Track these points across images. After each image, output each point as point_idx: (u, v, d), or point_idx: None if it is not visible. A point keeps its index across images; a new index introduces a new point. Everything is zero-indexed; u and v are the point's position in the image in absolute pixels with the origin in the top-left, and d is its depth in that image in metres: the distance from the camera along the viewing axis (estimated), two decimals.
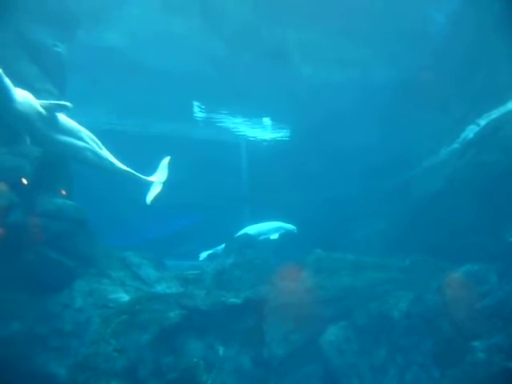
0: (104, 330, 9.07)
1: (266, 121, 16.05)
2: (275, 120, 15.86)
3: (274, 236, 14.88)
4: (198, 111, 15.10)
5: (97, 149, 9.44)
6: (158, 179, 10.96)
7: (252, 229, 14.83)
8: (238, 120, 15.78)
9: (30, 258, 9.05)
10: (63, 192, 9.99)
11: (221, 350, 9.45)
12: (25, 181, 9.14)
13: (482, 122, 12.11)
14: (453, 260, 10.44)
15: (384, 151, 14.46)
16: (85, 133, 9.23)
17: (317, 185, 15.69)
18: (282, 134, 16.76)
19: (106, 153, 9.68)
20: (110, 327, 9.15)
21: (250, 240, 12.58)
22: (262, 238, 14.73)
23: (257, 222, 15.33)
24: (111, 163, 9.78)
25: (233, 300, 9.86)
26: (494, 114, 11.85)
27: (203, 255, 14.61)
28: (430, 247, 11.49)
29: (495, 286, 9.64)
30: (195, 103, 14.77)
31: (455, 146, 13.43)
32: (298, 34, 12.06)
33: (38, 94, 9.66)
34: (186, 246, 16.30)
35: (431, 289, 9.98)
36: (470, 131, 12.67)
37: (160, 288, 10.53)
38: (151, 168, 11.21)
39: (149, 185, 10.78)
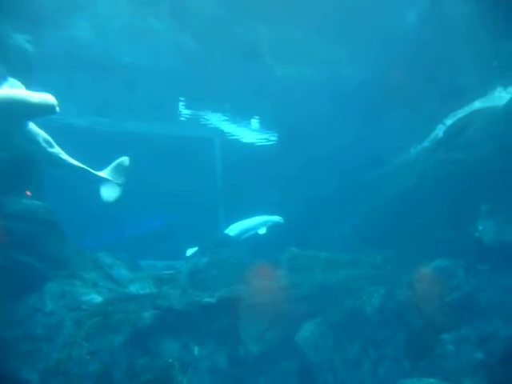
0: (76, 333, 8.93)
1: (249, 121, 16.07)
2: (246, 118, 15.88)
3: (262, 230, 15.01)
4: (182, 107, 15.00)
5: (49, 148, 9.44)
6: (113, 179, 10.81)
7: (240, 225, 14.90)
8: (215, 117, 15.74)
9: None
10: (28, 193, 9.80)
11: (196, 350, 9.43)
12: None
13: (449, 121, 12.42)
14: (423, 255, 10.68)
15: (358, 149, 14.66)
16: (41, 135, 9.25)
17: (292, 184, 15.80)
18: (258, 135, 16.82)
19: (57, 150, 9.74)
20: (83, 329, 9.01)
21: (224, 238, 12.58)
22: (250, 233, 14.84)
23: (232, 221, 15.35)
24: (62, 159, 9.84)
25: (207, 299, 9.84)
26: (460, 113, 12.18)
27: (190, 251, 14.56)
28: (401, 243, 11.72)
29: (463, 280, 9.93)
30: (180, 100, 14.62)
31: (426, 144, 13.74)
32: (270, 31, 12.06)
33: None
34: (161, 245, 16.18)
35: (402, 284, 10.20)
36: (440, 130, 12.98)
37: (133, 288, 10.42)
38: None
39: (102, 181, 10.69)
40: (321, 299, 10.30)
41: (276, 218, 15.36)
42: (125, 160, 11.02)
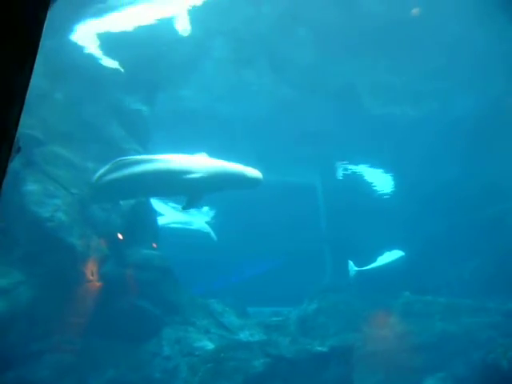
0: (192, 379, 9.17)
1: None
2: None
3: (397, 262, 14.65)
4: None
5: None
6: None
7: (376, 263, 14.66)
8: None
9: (122, 307, 9.54)
10: (154, 245, 10.53)
11: None
12: (117, 235, 9.82)
13: None
14: None
15: (470, 183, 13.59)
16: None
17: (402, 226, 15.00)
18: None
19: None
20: (197, 375, 9.23)
21: (332, 284, 12.24)
22: (387, 268, 14.53)
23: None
24: None
25: (318, 348, 9.53)
26: None
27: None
28: None
29: None
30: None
31: None
32: (365, 72, 12.00)
33: (125, 153, 10.50)
34: (269, 290, 16.20)
35: None
36: None
37: (243, 335, 10.50)
38: None
39: None
40: (442, 350, 9.39)
41: (400, 254, 14.79)
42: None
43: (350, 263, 14.74)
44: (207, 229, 16.90)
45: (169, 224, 16.57)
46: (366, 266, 14.76)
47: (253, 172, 8.63)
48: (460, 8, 10.13)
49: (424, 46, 10.98)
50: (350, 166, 15.79)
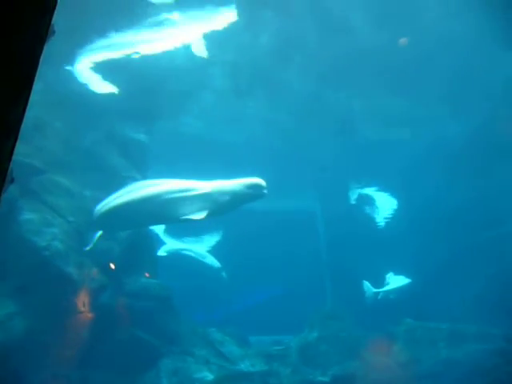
0: None
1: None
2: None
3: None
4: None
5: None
6: None
7: (390, 286, 14.44)
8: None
9: (119, 338, 9.34)
10: (147, 274, 10.40)
11: None
12: (113, 265, 9.70)
13: None
14: None
15: (470, 208, 13.57)
16: None
17: (403, 251, 14.88)
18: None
19: None
20: None
21: (332, 311, 12.04)
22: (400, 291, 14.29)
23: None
24: None
25: (320, 378, 9.32)
26: None
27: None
28: None
29: None
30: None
31: None
32: (363, 99, 12.13)
33: (124, 180, 10.50)
34: (269, 318, 15.94)
35: None
36: None
37: (244, 366, 10.26)
38: None
39: None
40: (447, 378, 9.16)
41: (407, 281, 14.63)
42: None
43: (366, 283, 14.52)
44: (217, 264, 16.81)
45: (181, 251, 16.55)
46: (380, 288, 14.56)
47: (254, 180, 8.53)
48: (454, 36, 10.33)
49: (419, 73, 11.14)
50: (350, 192, 15.82)
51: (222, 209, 8.66)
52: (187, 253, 16.73)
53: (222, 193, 8.55)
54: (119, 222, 9.35)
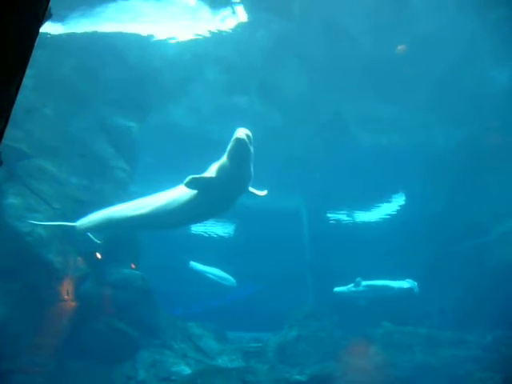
0: None
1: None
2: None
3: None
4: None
5: None
6: None
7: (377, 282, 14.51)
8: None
9: (98, 328, 9.28)
10: (132, 265, 10.34)
11: None
12: (98, 254, 9.64)
13: None
14: None
15: (453, 215, 13.77)
16: None
17: (385, 254, 15.05)
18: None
19: None
20: None
21: (312, 311, 12.12)
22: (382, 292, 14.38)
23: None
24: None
25: (297, 377, 9.38)
26: None
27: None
28: None
29: None
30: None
31: None
32: (354, 103, 12.22)
33: (111, 170, 10.42)
34: (249, 315, 15.99)
35: None
36: None
37: (221, 361, 10.28)
38: None
39: None
40: (422, 382, 9.31)
41: (411, 283, 14.73)
42: None
43: (359, 278, 14.64)
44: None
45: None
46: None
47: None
48: (446, 47, 10.47)
49: (411, 80, 11.25)
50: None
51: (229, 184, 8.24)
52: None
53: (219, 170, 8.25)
54: (112, 232, 9.40)
